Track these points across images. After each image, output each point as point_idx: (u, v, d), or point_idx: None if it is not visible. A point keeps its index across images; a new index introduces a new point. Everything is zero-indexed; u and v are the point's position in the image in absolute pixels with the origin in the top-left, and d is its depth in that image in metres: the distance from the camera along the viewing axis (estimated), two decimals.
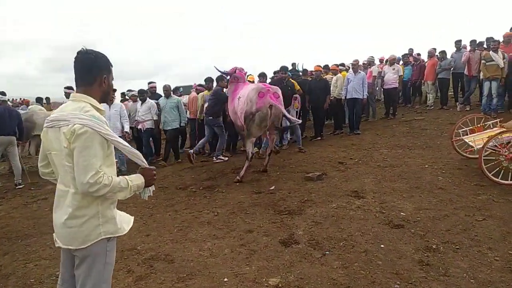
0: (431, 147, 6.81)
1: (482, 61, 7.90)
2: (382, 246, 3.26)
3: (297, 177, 5.69)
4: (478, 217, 3.67)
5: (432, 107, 10.64)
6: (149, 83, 9.22)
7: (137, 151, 1.85)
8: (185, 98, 9.21)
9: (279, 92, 5.91)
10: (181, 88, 10.57)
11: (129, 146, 1.81)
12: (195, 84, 9.89)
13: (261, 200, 4.79)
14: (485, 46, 9.27)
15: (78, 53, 1.75)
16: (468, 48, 9.41)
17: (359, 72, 8.63)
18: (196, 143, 9.22)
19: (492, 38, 8.84)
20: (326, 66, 10.14)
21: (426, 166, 5.63)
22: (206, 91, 8.37)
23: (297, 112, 7.91)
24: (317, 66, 9.84)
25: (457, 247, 3.13)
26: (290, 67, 10.78)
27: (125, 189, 1.73)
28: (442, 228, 3.50)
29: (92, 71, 1.76)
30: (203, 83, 8.73)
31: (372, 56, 11.04)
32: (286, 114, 6.03)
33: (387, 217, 3.87)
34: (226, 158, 7.63)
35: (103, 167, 1.66)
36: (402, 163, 5.90)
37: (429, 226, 3.57)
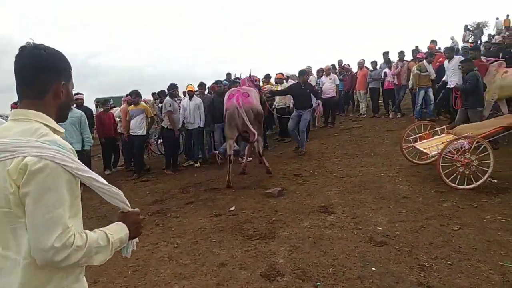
0: (378, 154, 6.94)
1: (417, 71, 8.38)
2: (373, 269, 3.00)
3: (256, 194, 5.29)
4: (453, 227, 3.64)
5: (365, 115, 11.20)
6: (75, 94, 7.91)
7: (119, 191, 1.27)
8: (117, 111, 8.23)
9: (250, 92, 5.98)
10: (112, 100, 9.51)
11: (107, 184, 1.24)
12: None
13: (224, 223, 4.28)
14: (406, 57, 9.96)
15: (22, 49, 1.15)
16: (395, 59, 10.03)
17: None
18: (131, 160, 8.28)
19: (417, 49, 9.54)
20: (267, 76, 9.98)
21: (382, 174, 5.64)
22: (132, 105, 7.41)
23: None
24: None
25: (448, 262, 3.00)
26: (224, 77, 10.40)
27: (105, 249, 1.16)
28: (425, 242, 3.38)
29: (44, 76, 1.17)
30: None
31: (309, 66, 11.21)
32: (245, 119, 5.60)
33: (366, 234, 3.65)
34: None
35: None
36: (357, 173, 5.85)
37: (411, 241, 3.43)
